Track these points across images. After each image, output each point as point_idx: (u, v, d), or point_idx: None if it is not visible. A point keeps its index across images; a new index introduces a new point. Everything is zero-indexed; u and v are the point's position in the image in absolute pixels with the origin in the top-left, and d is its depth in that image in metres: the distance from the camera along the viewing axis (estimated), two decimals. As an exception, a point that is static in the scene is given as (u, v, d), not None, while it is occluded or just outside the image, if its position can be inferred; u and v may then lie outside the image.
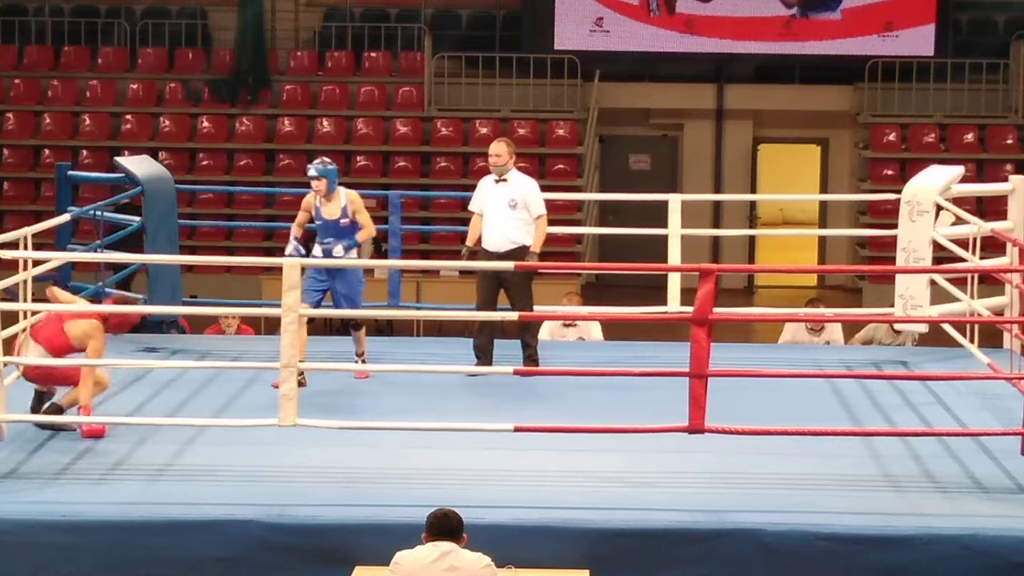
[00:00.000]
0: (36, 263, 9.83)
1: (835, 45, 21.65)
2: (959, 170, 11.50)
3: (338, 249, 10.10)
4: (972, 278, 10.42)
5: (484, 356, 10.47)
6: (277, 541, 7.48)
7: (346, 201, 10.11)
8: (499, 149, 10.59)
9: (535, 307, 10.67)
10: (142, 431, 8.77)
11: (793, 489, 8.09)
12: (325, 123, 21.79)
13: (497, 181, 10.57)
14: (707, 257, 20.65)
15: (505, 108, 21.81)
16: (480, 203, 10.63)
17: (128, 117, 21.80)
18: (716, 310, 8.09)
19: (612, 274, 20.55)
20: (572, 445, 8.59)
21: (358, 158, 21.50)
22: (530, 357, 10.49)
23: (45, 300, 9.24)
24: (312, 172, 10.16)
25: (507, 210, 10.44)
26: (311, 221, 10.26)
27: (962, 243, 10.78)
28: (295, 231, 10.28)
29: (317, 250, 10.19)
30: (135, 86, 22.07)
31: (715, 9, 21.57)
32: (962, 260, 10.67)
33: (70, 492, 7.84)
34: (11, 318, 9.28)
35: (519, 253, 10.35)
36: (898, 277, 11.23)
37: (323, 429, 8.43)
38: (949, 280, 10.79)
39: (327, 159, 10.35)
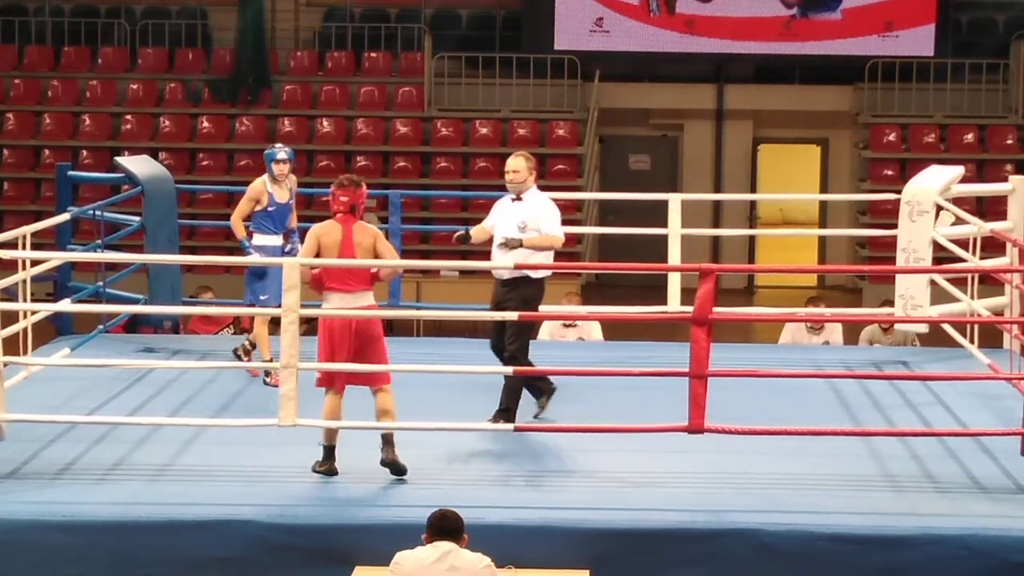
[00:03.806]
0: (35, 263, 9.82)
1: (835, 45, 21.65)
2: (959, 170, 11.50)
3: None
4: (972, 278, 10.42)
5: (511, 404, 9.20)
6: (277, 541, 7.48)
7: (292, 181, 10.41)
8: (517, 165, 9.34)
9: (540, 308, 10.56)
10: (142, 431, 8.77)
11: (793, 489, 8.09)
12: (325, 123, 21.79)
13: (514, 200, 9.37)
14: (707, 257, 20.63)
15: (505, 108, 21.80)
16: (492, 222, 9.45)
17: (128, 117, 21.79)
18: (716, 310, 8.09)
19: (612, 274, 20.54)
20: (572, 445, 8.59)
21: (358, 158, 21.50)
22: (504, 411, 9.17)
23: (42, 300, 9.22)
24: (283, 155, 10.32)
25: (516, 233, 9.24)
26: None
27: (962, 243, 10.78)
28: (242, 228, 10.35)
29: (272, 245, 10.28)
30: (135, 86, 22.06)
31: (715, 9, 21.57)
32: (962, 260, 10.67)
33: (70, 492, 7.84)
34: (11, 318, 9.29)
35: (523, 283, 9.24)
36: (898, 277, 11.24)
37: (323, 429, 8.43)
38: (949, 280, 10.79)
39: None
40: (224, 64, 22.08)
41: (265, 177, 10.37)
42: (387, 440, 8.14)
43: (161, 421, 8.88)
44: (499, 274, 9.30)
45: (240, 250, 10.45)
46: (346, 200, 8.29)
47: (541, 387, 9.42)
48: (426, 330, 16.42)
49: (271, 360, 9.94)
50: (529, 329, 9.40)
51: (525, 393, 9.30)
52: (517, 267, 9.11)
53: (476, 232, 9.47)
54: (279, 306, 9.41)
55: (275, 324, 10.00)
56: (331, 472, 8.15)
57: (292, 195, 10.45)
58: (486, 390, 9.68)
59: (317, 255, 8.26)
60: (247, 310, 11.86)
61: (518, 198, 9.36)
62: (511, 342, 9.21)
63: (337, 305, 8.18)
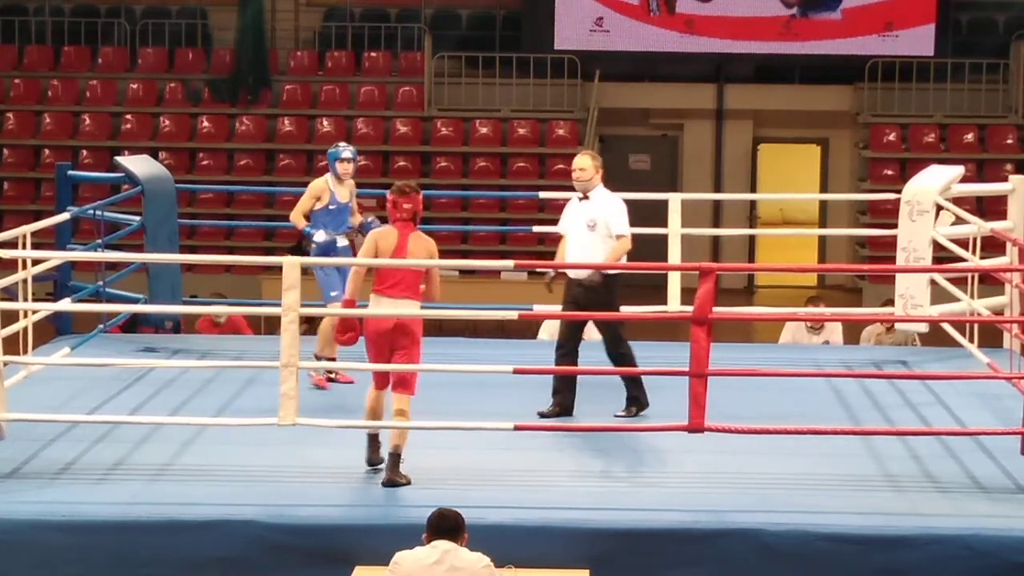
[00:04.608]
0: (36, 262, 9.82)
1: (835, 45, 21.66)
2: (959, 170, 11.50)
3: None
4: (972, 278, 10.41)
5: (561, 396, 9.39)
6: (277, 541, 7.48)
7: (351, 183, 10.20)
8: (583, 163, 9.35)
9: (540, 308, 10.54)
10: (142, 431, 8.76)
11: (793, 489, 8.09)
12: (325, 123, 21.79)
13: (581, 199, 9.40)
14: (707, 257, 20.63)
15: (505, 108, 21.81)
16: (564, 225, 9.52)
17: (128, 117, 21.80)
18: (716, 310, 8.09)
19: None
20: (572, 445, 8.59)
21: (358, 158, 21.46)
22: (634, 399, 9.41)
23: (42, 300, 9.20)
24: (347, 154, 10.17)
25: (585, 232, 9.30)
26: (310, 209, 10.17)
27: (962, 243, 10.78)
28: (303, 220, 10.14)
29: (341, 240, 10.14)
30: (135, 86, 22.07)
31: (715, 9, 21.57)
32: (962, 260, 10.66)
33: (70, 492, 7.84)
34: (11, 317, 9.28)
35: (599, 282, 9.31)
36: (898, 277, 11.23)
37: (323, 429, 8.43)
38: (949, 280, 10.79)
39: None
40: (224, 64, 22.09)
41: (328, 176, 10.21)
42: (394, 461, 8.05)
43: (161, 421, 8.88)
44: (576, 274, 9.40)
45: (299, 249, 10.29)
46: (409, 207, 8.41)
47: (638, 395, 9.44)
48: (426, 330, 16.39)
49: (334, 359, 9.90)
50: (618, 322, 9.48)
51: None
52: (518, 267, 9.11)
53: (559, 255, 9.58)
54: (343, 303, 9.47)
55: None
56: (372, 462, 8.19)
57: (352, 196, 10.30)
58: (485, 390, 9.70)
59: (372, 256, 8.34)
60: (248, 309, 11.87)
61: (585, 196, 9.41)
62: (611, 342, 9.41)
63: (379, 307, 8.22)
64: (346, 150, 10.23)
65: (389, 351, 8.14)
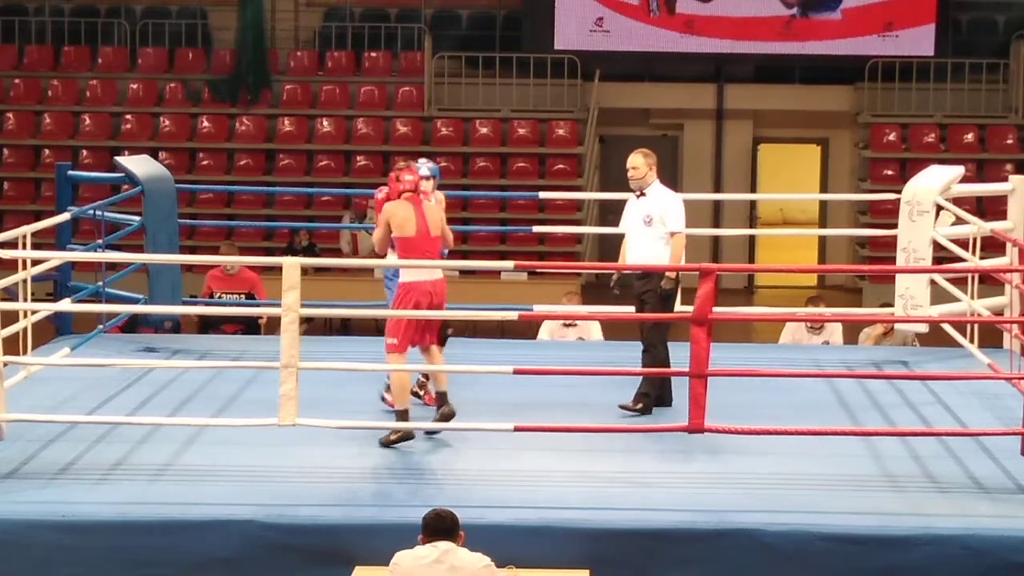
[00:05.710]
0: (36, 262, 9.82)
1: (835, 45, 21.67)
2: (959, 170, 11.50)
3: None
4: (972, 278, 10.41)
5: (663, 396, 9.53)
6: (277, 541, 7.48)
7: (435, 201, 9.39)
8: (636, 161, 9.50)
9: (540, 308, 10.53)
10: (142, 431, 8.76)
11: (793, 489, 8.09)
12: (325, 123, 21.80)
13: (638, 196, 9.56)
14: (707, 257, 20.65)
15: (505, 108, 21.82)
16: (624, 224, 9.71)
17: (128, 117, 21.81)
18: (716, 310, 8.09)
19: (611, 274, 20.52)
20: (572, 445, 8.59)
21: (358, 158, 21.50)
22: (643, 395, 9.43)
23: (42, 300, 9.20)
24: (425, 171, 9.33)
25: (642, 227, 9.45)
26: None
27: (962, 243, 10.78)
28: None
29: None
30: (135, 86, 22.08)
31: (715, 9, 21.58)
32: (962, 260, 10.66)
33: (70, 492, 7.84)
34: (11, 318, 9.28)
35: (654, 277, 9.40)
36: (898, 277, 11.24)
37: (323, 429, 8.43)
38: (949, 280, 10.79)
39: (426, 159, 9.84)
40: (224, 64, 22.10)
41: None
42: (444, 399, 8.75)
43: (161, 421, 8.88)
44: (631, 271, 9.60)
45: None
46: (411, 179, 8.90)
47: (649, 392, 9.46)
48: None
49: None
50: (666, 304, 9.55)
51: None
52: (518, 268, 9.12)
53: (620, 255, 9.77)
54: None
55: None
56: (408, 436, 8.50)
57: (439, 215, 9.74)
58: (485, 389, 9.69)
59: (390, 231, 8.86)
60: (249, 310, 11.87)
61: (641, 194, 9.57)
62: (648, 329, 9.48)
63: (418, 273, 8.71)
64: (424, 166, 9.42)
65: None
